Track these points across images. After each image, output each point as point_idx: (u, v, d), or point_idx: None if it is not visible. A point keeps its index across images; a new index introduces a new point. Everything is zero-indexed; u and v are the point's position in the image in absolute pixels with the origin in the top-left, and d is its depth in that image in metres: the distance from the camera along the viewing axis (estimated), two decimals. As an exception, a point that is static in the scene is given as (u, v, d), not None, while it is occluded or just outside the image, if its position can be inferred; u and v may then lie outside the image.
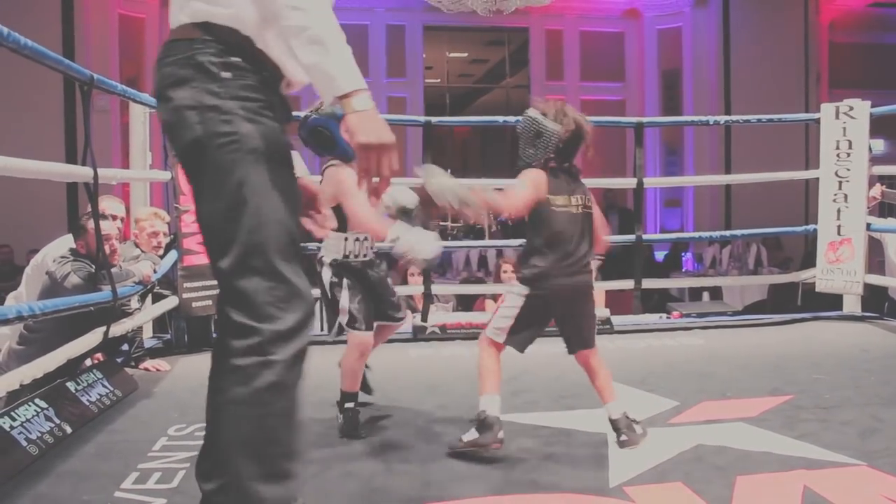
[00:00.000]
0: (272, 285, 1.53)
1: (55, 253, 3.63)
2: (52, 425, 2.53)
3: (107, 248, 3.32)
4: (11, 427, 2.34)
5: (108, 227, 3.46)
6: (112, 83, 3.42)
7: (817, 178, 4.92)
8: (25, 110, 9.27)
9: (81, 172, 3.05)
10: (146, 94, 4.06)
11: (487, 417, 2.39)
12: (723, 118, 5.73)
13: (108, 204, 3.89)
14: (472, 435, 2.37)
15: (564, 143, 2.53)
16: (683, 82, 12.23)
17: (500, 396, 2.46)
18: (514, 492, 2.08)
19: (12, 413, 2.41)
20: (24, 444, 2.33)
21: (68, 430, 2.59)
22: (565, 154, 2.56)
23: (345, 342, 2.74)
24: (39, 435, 2.43)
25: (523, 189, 2.49)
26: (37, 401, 2.58)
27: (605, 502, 2.00)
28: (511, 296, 2.54)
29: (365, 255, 2.82)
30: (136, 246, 4.09)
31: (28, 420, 2.44)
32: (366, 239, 2.81)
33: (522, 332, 2.54)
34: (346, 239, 2.77)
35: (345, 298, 2.73)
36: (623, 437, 2.44)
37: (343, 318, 2.73)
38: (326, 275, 2.77)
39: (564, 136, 2.52)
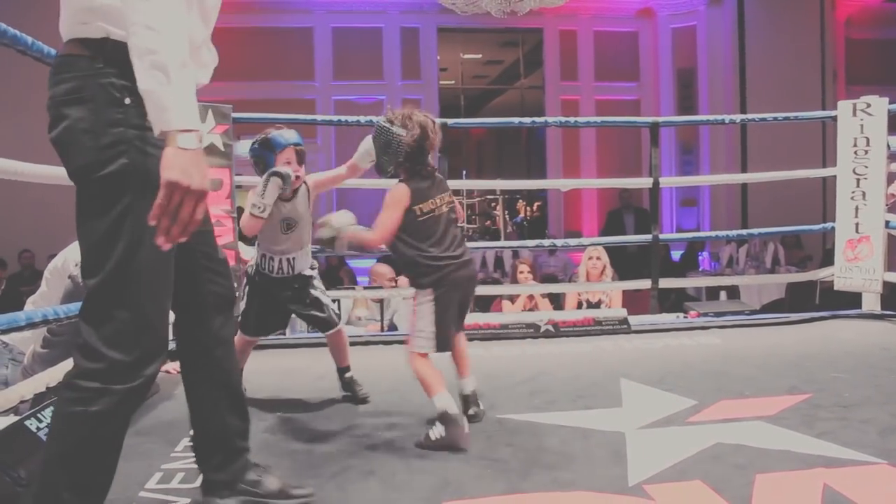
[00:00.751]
0: (129, 317, 1.56)
1: (75, 257, 3.67)
2: (77, 427, 2.56)
3: None
4: (38, 429, 2.38)
5: None
6: (132, 89, 3.46)
7: (835, 176, 4.89)
8: (43, 118, 9.37)
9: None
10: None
11: (448, 414, 2.47)
12: (738, 117, 5.72)
13: None
14: (439, 432, 2.45)
15: (413, 148, 2.62)
16: (698, 81, 12.20)
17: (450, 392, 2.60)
18: (533, 490, 2.09)
19: (39, 415, 2.45)
20: (50, 445, 2.37)
21: (92, 431, 2.62)
22: (416, 158, 2.65)
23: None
24: (64, 436, 2.46)
25: (387, 215, 2.62)
26: (61, 403, 2.61)
27: (624, 500, 2.01)
28: (420, 307, 2.65)
29: (282, 273, 3.03)
30: None
31: (53, 422, 2.48)
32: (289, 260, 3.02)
33: (444, 333, 2.65)
34: (263, 256, 3.03)
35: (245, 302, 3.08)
36: (472, 412, 2.71)
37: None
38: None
39: (411, 141, 2.61)
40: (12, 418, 2.50)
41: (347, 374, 3.19)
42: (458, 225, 2.78)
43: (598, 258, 5.56)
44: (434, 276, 2.62)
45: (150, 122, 1.45)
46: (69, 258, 3.80)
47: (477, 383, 2.82)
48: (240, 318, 3.05)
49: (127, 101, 1.55)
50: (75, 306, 2.82)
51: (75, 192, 1.60)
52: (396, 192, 2.64)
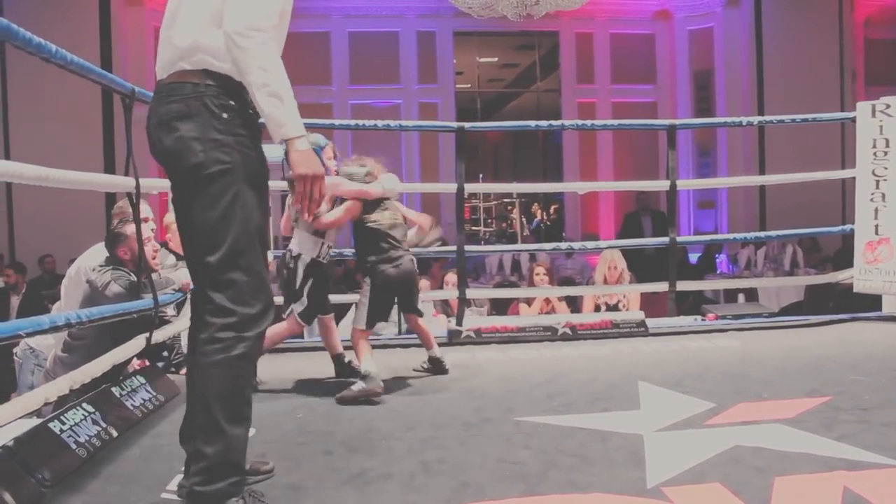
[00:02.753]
0: (248, 279, 1.97)
1: (90, 263, 3.70)
2: (99, 429, 2.60)
3: (150, 250, 3.45)
4: (61, 430, 2.41)
5: (146, 230, 3.54)
6: (151, 95, 3.50)
7: (854, 178, 4.87)
8: (66, 123, 9.50)
9: (124, 182, 3.14)
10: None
11: (370, 372, 3.16)
12: (756, 119, 5.70)
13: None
14: (359, 386, 3.12)
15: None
16: (716, 83, 12.15)
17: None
18: (551, 492, 2.10)
19: (62, 417, 2.48)
20: (74, 446, 2.40)
21: (114, 433, 2.66)
22: None
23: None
24: (87, 438, 2.50)
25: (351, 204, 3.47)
26: (84, 405, 2.65)
27: (642, 502, 2.01)
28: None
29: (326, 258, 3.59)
30: (171, 251, 4.18)
31: (76, 424, 2.51)
32: (330, 246, 3.61)
33: (379, 316, 3.46)
34: (322, 244, 3.53)
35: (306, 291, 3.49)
36: (445, 367, 3.64)
37: (298, 307, 3.49)
38: (301, 268, 3.50)
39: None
40: (35, 421, 2.54)
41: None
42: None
43: (614, 267, 5.56)
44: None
45: (272, 134, 1.96)
46: (82, 266, 3.82)
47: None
48: (303, 307, 3.49)
49: (224, 115, 1.98)
50: (98, 310, 2.86)
51: (184, 192, 2.00)
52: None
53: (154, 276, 3.47)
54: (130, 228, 3.44)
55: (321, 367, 3.82)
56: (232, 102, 2.00)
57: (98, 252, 3.75)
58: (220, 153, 1.94)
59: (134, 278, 3.42)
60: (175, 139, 1.96)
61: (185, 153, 1.95)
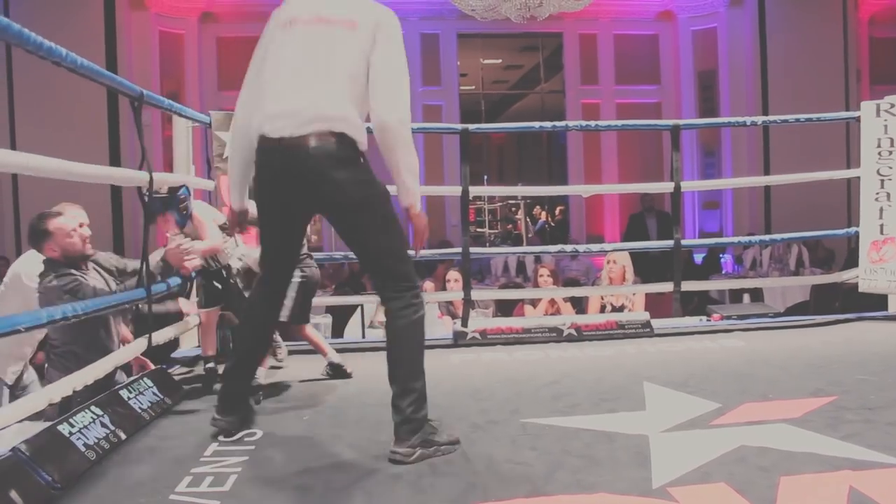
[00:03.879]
0: (409, 264, 2.63)
1: (30, 269, 3.55)
2: (108, 431, 2.62)
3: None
4: (70, 433, 2.43)
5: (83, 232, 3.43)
6: (159, 98, 3.54)
7: (859, 178, 4.86)
8: (71, 127, 9.53)
9: (138, 176, 3.18)
10: (188, 107, 4.18)
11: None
12: (760, 119, 5.70)
13: (73, 212, 3.50)
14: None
15: None
16: (720, 83, 12.13)
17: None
18: (557, 493, 2.11)
19: (70, 420, 2.50)
20: (83, 449, 2.42)
21: (122, 436, 2.67)
22: None
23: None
24: (96, 441, 2.51)
25: None
26: (92, 408, 2.67)
27: (649, 502, 2.02)
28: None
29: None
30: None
31: (85, 426, 2.53)
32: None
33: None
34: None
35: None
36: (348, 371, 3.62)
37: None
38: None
39: None
40: (41, 423, 2.56)
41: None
42: None
43: (614, 262, 5.57)
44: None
45: (401, 201, 2.63)
46: (23, 271, 3.68)
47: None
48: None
49: (361, 160, 2.56)
50: (93, 303, 2.86)
51: (352, 219, 2.60)
52: None
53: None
54: (53, 224, 3.31)
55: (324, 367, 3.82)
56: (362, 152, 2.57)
57: (35, 256, 3.52)
58: (375, 186, 2.56)
59: (80, 279, 3.32)
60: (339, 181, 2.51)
61: (355, 188, 2.53)
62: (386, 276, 2.60)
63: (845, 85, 11.71)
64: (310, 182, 2.50)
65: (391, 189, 2.62)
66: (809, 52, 11.51)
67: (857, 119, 4.88)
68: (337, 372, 3.68)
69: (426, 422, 2.50)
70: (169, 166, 4.69)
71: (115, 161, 9.71)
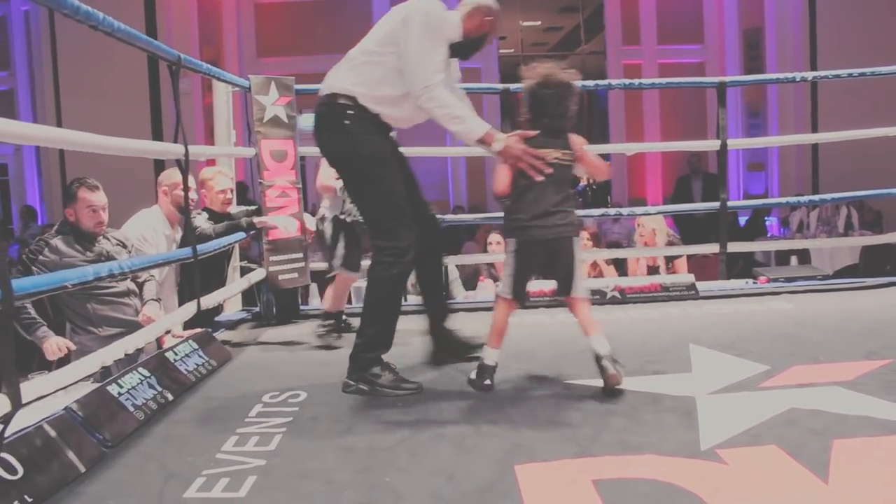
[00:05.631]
0: (392, 226, 2.79)
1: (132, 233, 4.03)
2: (155, 392, 2.65)
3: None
4: (119, 393, 2.47)
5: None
6: (198, 62, 3.53)
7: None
8: (113, 94, 9.63)
9: (174, 150, 3.18)
10: (229, 73, 4.18)
11: (483, 365, 2.77)
12: (811, 74, 5.54)
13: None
14: (472, 375, 2.78)
15: (534, 100, 2.81)
16: (766, 41, 11.80)
17: (500, 351, 2.82)
18: (603, 453, 2.08)
19: (119, 381, 2.54)
20: (132, 409, 2.46)
21: (169, 397, 2.71)
22: (538, 110, 2.81)
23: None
24: (144, 401, 2.55)
25: (500, 168, 2.83)
26: (140, 369, 2.71)
27: (696, 464, 1.99)
28: (507, 255, 2.84)
29: (356, 216, 3.57)
30: (208, 210, 4.28)
31: (133, 387, 2.57)
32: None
33: (522, 286, 2.85)
34: (343, 201, 3.66)
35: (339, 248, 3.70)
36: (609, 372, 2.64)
37: (337, 262, 3.71)
38: (327, 228, 3.74)
39: (531, 91, 2.82)
40: (92, 385, 2.61)
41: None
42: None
43: (642, 225, 5.50)
44: (512, 227, 2.83)
45: (468, 144, 2.90)
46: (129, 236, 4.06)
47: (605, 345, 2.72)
48: (341, 260, 3.70)
49: (346, 122, 2.83)
50: (139, 260, 2.99)
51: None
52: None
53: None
54: (81, 193, 3.65)
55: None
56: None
57: (140, 219, 3.97)
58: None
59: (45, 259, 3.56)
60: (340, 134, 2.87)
61: (341, 142, 2.90)
62: (370, 231, 2.94)
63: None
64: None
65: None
66: (862, 3, 11.08)
67: (914, 73, 4.69)
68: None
69: (374, 364, 2.78)
70: (210, 133, 4.70)
71: (156, 128, 9.78)
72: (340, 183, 3.44)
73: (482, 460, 2.07)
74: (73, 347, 3.56)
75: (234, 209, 4.41)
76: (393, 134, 3.03)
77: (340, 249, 3.70)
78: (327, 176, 3.68)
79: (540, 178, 2.70)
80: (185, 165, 3.22)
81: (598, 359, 2.66)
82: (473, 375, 2.77)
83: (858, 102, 9.57)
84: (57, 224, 3.75)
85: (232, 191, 4.40)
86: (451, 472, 2.00)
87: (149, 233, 4.20)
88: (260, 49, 11.77)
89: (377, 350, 2.81)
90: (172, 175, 4.19)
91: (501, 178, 2.82)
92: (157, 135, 9.56)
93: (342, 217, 3.71)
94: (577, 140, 2.84)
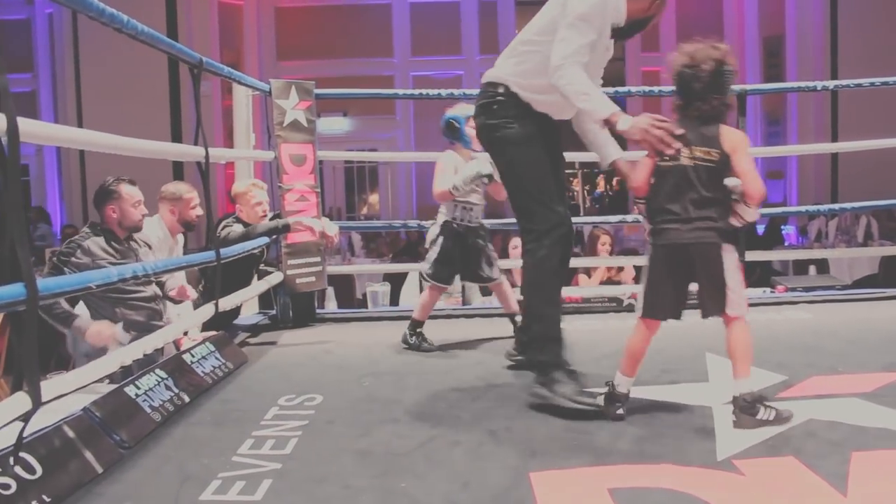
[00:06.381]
0: (536, 210, 2.73)
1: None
2: (172, 394, 2.67)
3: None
4: (136, 395, 2.49)
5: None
6: (219, 65, 3.55)
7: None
8: (133, 95, 9.71)
9: (194, 152, 3.21)
10: (249, 77, 4.20)
11: (614, 392, 2.47)
12: (831, 83, 5.48)
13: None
14: (599, 400, 2.48)
15: (685, 84, 2.46)
16: (786, 49, 11.75)
17: (633, 379, 2.53)
18: (620, 462, 2.08)
19: (136, 382, 2.56)
20: (149, 410, 2.48)
21: (186, 398, 2.73)
22: (689, 96, 2.46)
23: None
24: (161, 403, 2.57)
25: (639, 163, 2.55)
26: (157, 371, 2.72)
27: (713, 474, 1.98)
28: (644, 266, 2.53)
29: (469, 222, 3.57)
30: (241, 222, 4.23)
31: (150, 389, 2.58)
32: (471, 209, 3.58)
33: (657, 298, 2.48)
34: (455, 206, 3.56)
35: (433, 252, 3.58)
36: (733, 418, 2.34)
37: (424, 267, 3.63)
38: (434, 230, 3.62)
39: (685, 74, 2.45)
40: (110, 386, 2.62)
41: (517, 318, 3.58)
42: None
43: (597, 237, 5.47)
44: (653, 231, 2.48)
45: (593, 120, 2.73)
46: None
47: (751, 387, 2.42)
48: (428, 266, 3.61)
49: (495, 107, 2.80)
50: (163, 262, 2.99)
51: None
52: None
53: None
54: (125, 188, 3.59)
55: (385, 335, 3.85)
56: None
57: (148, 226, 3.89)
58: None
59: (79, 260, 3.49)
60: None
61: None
62: (517, 216, 2.83)
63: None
64: None
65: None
66: (884, 10, 11.00)
67: (936, 83, 4.66)
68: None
69: (554, 367, 2.62)
70: (229, 136, 4.73)
71: (175, 130, 9.86)
72: (454, 186, 3.47)
73: (498, 467, 2.07)
74: (118, 330, 3.51)
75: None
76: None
77: (433, 254, 3.58)
78: (441, 182, 3.53)
79: (670, 152, 2.37)
80: (205, 168, 3.24)
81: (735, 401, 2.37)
82: (601, 402, 2.48)
83: (879, 111, 9.51)
84: (86, 226, 3.71)
85: (268, 203, 4.37)
86: (467, 478, 2.00)
87: (155, 241, 4.16)
88: (280, 53, 11.84)
89: (550, 349, 2.64)
90: (179, 190, 4.08)
91: (640, 174, 2.52)
92: (177, 137, 9.62)
93: (451, 222, 3.57)
94: (730, 137, 2.42)
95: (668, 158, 2.42)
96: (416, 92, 5.08)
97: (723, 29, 12.22)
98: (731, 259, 2.41)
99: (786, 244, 9.86)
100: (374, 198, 12.86)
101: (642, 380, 2.86)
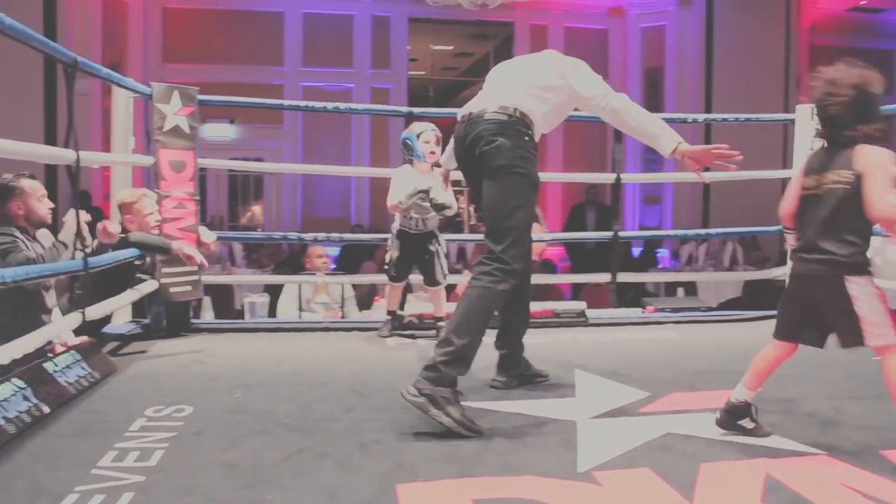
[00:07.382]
0: (520, 249, 2.83)
1: None
2: (30, 405, 2.55)
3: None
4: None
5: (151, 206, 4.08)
6: (96, 66, 3.44)
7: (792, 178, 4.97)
8: (4, 92, 9.20)
9: (64, 155, 3.07)
10: (130, 78, 4.08)
11: (734, 404, 2.51)
12: (702, 116, 5.83)
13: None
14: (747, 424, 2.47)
15: (819, 109, 2.42)
16: (665, 81, 12.34)
17: (754, 393, 2.53)
18: (485, 474, 2.13)
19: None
20: (2, 422, 2.35)
21: (46, 409, 2.61)
22: (832, 122, 2.37)
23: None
24: (17, 414, 2.45)
25: (790, 186, 2.50)
26: (14, 380, 2.59)
27: (572, 485, 2.06)
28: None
29: (412, 229, 4.05)
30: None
31: (6, 399, 2.46)
32: (415, 220, 4.02)
33: (783, 319, 2.51)
34: (403, 216, 4.02)
35: (388, 256, 4.13)
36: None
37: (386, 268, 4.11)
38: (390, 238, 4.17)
39: (817, 101, 2.42)
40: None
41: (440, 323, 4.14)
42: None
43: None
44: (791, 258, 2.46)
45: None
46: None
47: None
48: (388, 268, 4.12)
49: (526, 138, 2.90)
50: (23, 270, 2.82)
51: (493, 183, 2.86)
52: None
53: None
54: (27, 183, 3.51)
55: (261, 347, 3.80)
56: (530, 132, 2.95)
57: None
58: (521, 160, 2.87)
59: (26, 250, 3.37)
60: (496, 145, 2.85)
61: (499, 154, 2.85)
62: (493, 242, 2.85)
63: (785, 88, 12.02)
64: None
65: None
66: (753, 55, 11.77)
67: (793, 121, 5.00)
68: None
69: (449, 385, 2.56)
70: (108, 139, 4.56)
71: (50, 131, 9.40)
72: (404, 199, 3.84)
73: (365, 479, 2.08)
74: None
75: None
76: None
77: (388, 258, 4.13)
78: (391, 196, 3.93)
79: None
80: (75, 171, 3.12)
81: None
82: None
83: (747, 145, 10.07)
84: None
85: (159, 213, 4.16)
86: (334, 490, 2.00)
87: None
88: (167, 54, 11.50)
89: (458, 368, 2.62)
90: (141, 201, 4.08)
91: (785, 205, 2.47)
92: (51, 139, 9.18)
93: (402, 230, 4.07)
94: (863, 155, 2.26)
95: (808, 188, 2.38)
96: (303, 104, 5.06)
97: (608, 58, 12.70)
98: (861, 290, 2.26)
99: (659, 266, 10.31)
100: (257, 208, 12.63)
101: (512, 394, 2.95)
